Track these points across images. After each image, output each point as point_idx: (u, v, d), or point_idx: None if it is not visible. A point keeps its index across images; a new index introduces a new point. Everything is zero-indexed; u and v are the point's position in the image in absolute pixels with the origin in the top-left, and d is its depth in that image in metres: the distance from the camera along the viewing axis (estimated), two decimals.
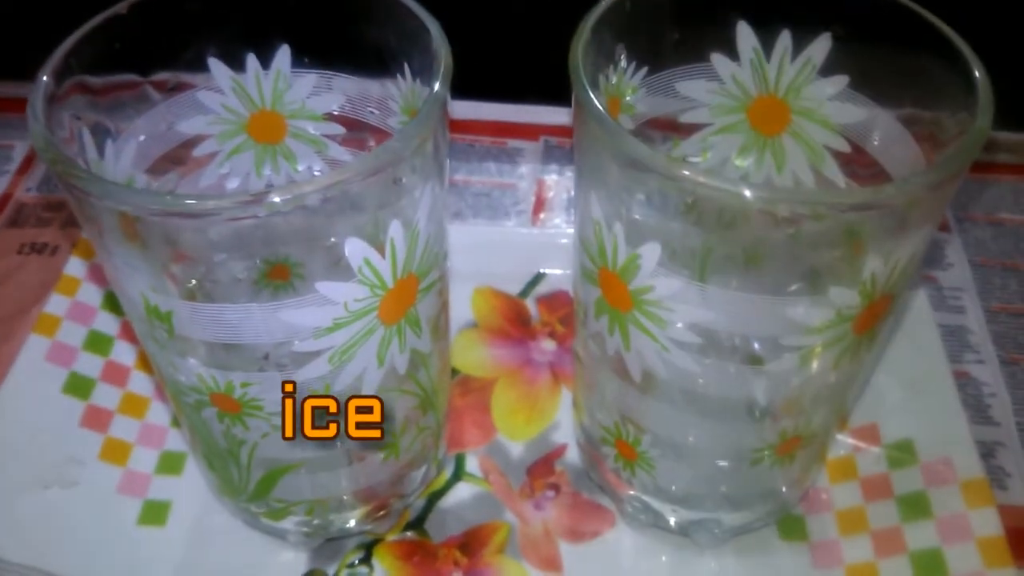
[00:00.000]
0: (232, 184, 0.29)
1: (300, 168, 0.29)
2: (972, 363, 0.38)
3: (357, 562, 0.31)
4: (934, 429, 0.33)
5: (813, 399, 0.26)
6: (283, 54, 0.27)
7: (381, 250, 0.22)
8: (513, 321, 0.38)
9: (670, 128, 0.29)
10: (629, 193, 0.23)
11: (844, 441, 0.34)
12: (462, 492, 0.33)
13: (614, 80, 0.26)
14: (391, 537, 0.32)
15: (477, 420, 0.35)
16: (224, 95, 0.28)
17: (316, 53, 0.28)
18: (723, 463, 0.29)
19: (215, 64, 0.27)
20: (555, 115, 0.47)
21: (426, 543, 0.32)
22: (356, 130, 0.29)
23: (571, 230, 0.41)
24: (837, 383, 0.26)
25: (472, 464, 0.34)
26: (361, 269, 0.22)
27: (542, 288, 0.40)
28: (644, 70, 0.27)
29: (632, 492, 0.31)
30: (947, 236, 0.43)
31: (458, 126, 0.47)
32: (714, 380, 0.25)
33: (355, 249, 0.21)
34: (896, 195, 0.21)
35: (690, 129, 0.29)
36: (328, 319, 0.22)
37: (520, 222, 0.43)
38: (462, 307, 0.39)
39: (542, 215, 0.43)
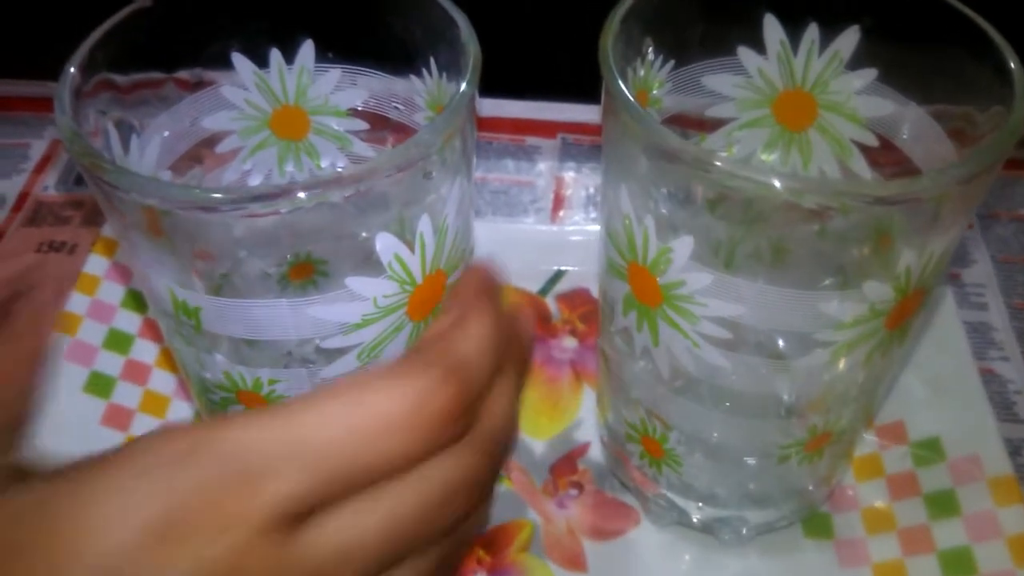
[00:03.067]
0: (254, 180, 0.29)
1: (323, 164, 0.29)
2: (996, 360, 0.38)
3: None
4: (961, 426, 0.33)
5: (843, 395, 0.26)
6: (307, 49, 0.27)
7: (410, 246, 0.22)
8: (533, 319, 0.38)
9: (696, 123, 0.29)
10: (659, 186, 0.23)
11: (870, 439, 0.34)
12: None
13: (642, 73, 0.26)
14: None
15: None
16: (247, 91, 0.28)
17: (340, 48, 0.27)
18: (751, 460, 0.28)
19: (239, 59, 0.27)
20: (572, 112, 0.47)
21: None
22: (380, 126, 0.28)
23: (590, 227, 0.41)
24: (868, 379, 0.26)
25: None
26: (391, 264, 0.22)
27: (562, 285, 0.39)
28: (671, 63, 0.27)
29: (658, 489, 0.31)
30: (970, 233, 0.42)
31: (476, 123, 0.46)
32: (744, 376, 0.25)
33: (386, 244, 0.21)
34: (929, 188, 0.21)
35: (716, 123, 0.29)
36: (357, 315, 0.22)
37: (539, 219, 0.43)
38: None
39: (561, 212, 0.43)
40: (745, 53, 0.27)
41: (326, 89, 0.28)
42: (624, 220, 0.23)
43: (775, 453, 0.27)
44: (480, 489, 0.20)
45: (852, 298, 0.22)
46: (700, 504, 0.30)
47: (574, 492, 0.33)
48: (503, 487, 0.33)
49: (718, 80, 0.28)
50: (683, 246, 0.22)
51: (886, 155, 0.27)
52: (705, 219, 0.24)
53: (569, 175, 0.45)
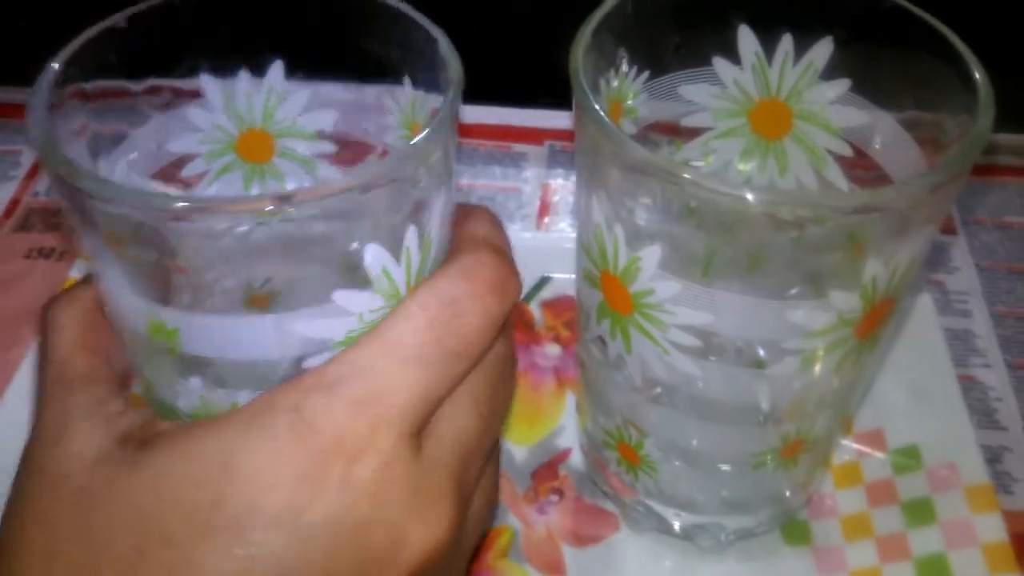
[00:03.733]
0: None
1: (289, 188, 0.28)
2: (978, 367, 0.38)
3: None
4: (939, 434, 0.33)
5: (816, 402, 0.26)
6: (276, 69, 0.27)
7: (396, 257, 0.22)
8: (517, 325, 0.38)
9: (672, 132, 0.29)
10: (630, 196, 0.23)
11: (849, 446, 0.34)
12: None
13: (615, 84, 0.26)
14: None
15: None
16: (214, 113, 0.27)
17: (311, 67, 0.27)
18: (726, 467, 0.29)
19: (207, 80, 0.26)
20: (560, 119, 0.47)
21: None
22: (348, 148, 0.28)
23: (575, 234, 0.41)
24: (840, 387, 0.26)
25: None
26: (379, 278, 0.21)
27: (546, 293, 0.40)
28: (646, 74, 0.27)
29: (635, 496, 0.31)
30: (953, 239, 0.42)
31: (462, 130, 0.46)
32: (715, 383, 0.25)
33: (376, 257, 0.21)
34: (897, 197, 0.21)
35: (692, 133, 0.29)
36: (342, 331, 0.21)
37: (524, 226, 0.43)
38: None
39: (547, 219, 0.43)
40: (720, 63, 0.28)
41: (294, 111, 0.28)
42: (595, 229, 0.24)
43: (750, 460, 0.28)
44: (513, 368, 0.24)
45: (820, 307, 0.22)
46: (678, 510, 0.31)
47: (555, 498, 0.33)
48: None
49: (694, 90, 0.28)
50: (651, 255, 0.22)
51: (860, 163, 0.28)
52: (678, 229, 0.24)
53: (556, 182, 0.45)
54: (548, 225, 0.43)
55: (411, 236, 0.22)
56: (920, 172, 0.24)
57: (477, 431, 0.21)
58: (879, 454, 0.33)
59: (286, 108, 0.28)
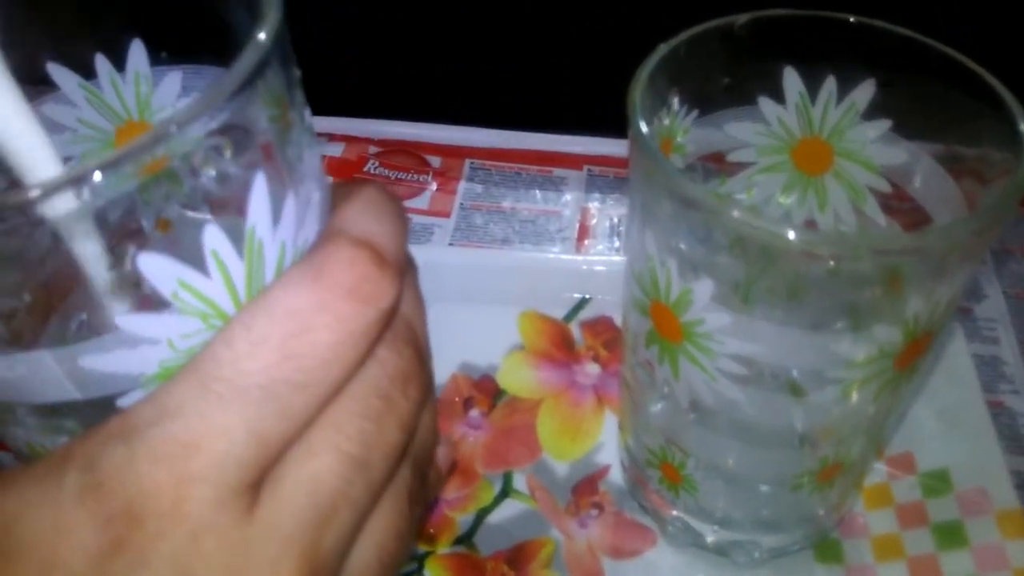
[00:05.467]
0: (115, 215, 0.21)
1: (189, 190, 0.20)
2: (1007, 393, 0.39)
3: (410, 574, 0.33)
4: (968, 459, 0.34)
5: (853, 429, 0.27)
6: (137, 50, 0.22)
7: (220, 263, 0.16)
8: (558, 344, 0.40)
9: (718, 166, 0.30)
10: (680, 228, 0.25)
11: (880, 469, 0.35)
12: (509, 509, 0.35)
13: (667, 122, 0.27)
14: (441, 550, 0.33)
15: (524, 440, 0.37)
16: (77, 107, 0.23)
17: (174, 45, 0.23)
18: (764, 487, 0.30)
19: (58, 71, 0.22)
20: (598, 145, 0.49)
21: (474, 556, 0.33)
22: (237, 134, 0.21)
23: (614, 257, 0.42)
24: (877, 414, 0.27)
25: (519, 482, 0.35)
26: (177, 295, 0.16)
27: (586, 313, 0.41)
28: (695, 112, 0.28)
29: (674, 512, 0.32)
30: (983, 269, 0.43)
31: (506, 155, 0.48)
32: (759, 409, 0.26)
33: (159, 268, 0.16)
34: (939, 241, 0.22)
35: (737, 168, 0.30)
36: (152, 363, 0.16)
37: (564, 248, 0.44)
38: (509, 330, 0.40)
39: (586, 241, 0.45)
40: (765, 103, 0.29)
41: (170, 97, 0.23)
42: (648, 261, 0.25)
43: (788, 481, 0.29)
44: (417, 386, 0.19)
45: (863, 340, 0.24)
46: (715, 527, 0.32)
47: (595, 512, 0.34)
48: (528, 507, 0.35)
49: (740, 128, 0.29)
50: (704, 288, 0.24)
51: (899, 200, 0.29)
52: (724, 258, 0.26)
53: (594, 205, 0.46)
54: (587, 247, 0.45)
55: (215, 237, 0.16)
56: (960, 213, 0.26)
57: (340, 477, 0.17)
58: (909, 477, 0.34)
59: (161, 95, 0.23)
